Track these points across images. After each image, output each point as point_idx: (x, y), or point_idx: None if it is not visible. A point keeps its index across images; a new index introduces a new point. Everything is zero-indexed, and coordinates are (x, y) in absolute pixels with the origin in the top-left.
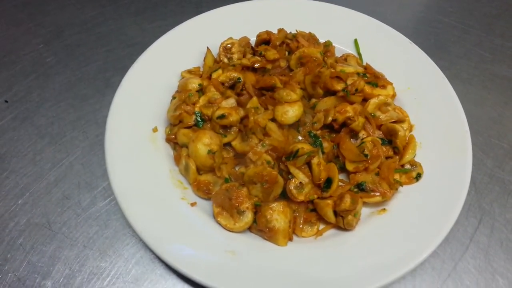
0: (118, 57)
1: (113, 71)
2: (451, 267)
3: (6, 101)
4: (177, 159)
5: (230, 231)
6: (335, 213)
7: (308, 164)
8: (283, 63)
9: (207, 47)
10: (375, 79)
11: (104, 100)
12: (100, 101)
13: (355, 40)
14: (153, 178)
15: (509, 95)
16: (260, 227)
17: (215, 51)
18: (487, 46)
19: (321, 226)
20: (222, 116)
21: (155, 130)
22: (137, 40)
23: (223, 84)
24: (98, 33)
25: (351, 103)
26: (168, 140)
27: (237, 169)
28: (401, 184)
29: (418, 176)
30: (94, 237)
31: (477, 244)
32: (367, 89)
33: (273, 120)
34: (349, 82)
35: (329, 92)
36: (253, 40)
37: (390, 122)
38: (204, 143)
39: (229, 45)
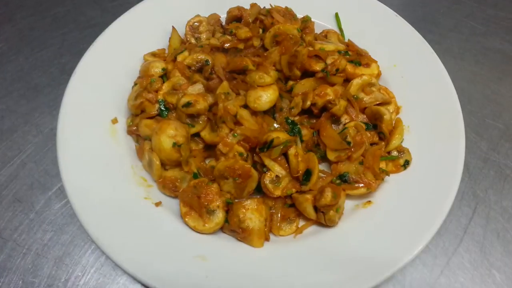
0: (75, 40)
1: (69, 56)
2: (444, 262)
3: None
4: (140, 154)
5: (199, 233)
6: (316, 209)
7: (285, 155)
8: (256, 42)
9: (173, 27)
10: (358, 57)
11: (60, 89)
12: (55, 90)
13: (336, 14)
14: (113, 176)
15: (504, 70)
16: (232, 228)
17: (181, 30)
18: (479, 17)
19: (301, 223)
20: (188, 104)
21: (114, 121)
22: (97, 21)
23: (189, 67)
24: (54, 15)
25: (332, 84)
26: (129, 132)
27: (207, 162)
28: (387, 174)
29: (406, 164)
30: (49, 244)
31: (471, 236)
32: (349, 68)
33: (246, 106)
34: (329, 61)
35: (308, 73)
36: (223, 17)
37: (374, 105)
38: (169, 135)
39: (196, 24)
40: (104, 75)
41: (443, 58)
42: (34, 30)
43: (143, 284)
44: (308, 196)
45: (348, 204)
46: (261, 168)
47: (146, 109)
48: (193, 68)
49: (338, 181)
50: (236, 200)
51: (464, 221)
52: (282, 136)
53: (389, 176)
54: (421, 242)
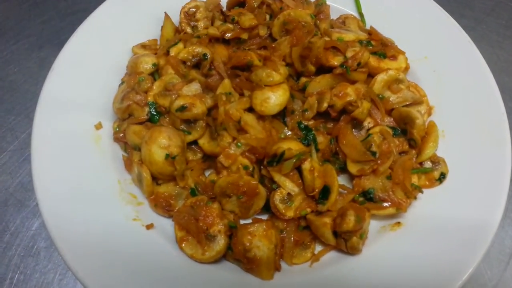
0: (56, 29)
1: (49, 48)
2: None
3: None
4: (128, 165)
5: (198, 262)
6: (335, 233)
7: (298, 169)
8: (262, 31)
9: (165, 13)
10: (383, 48)
11: (38, 87)
12: (33, 88)
13: None
14: (97, 192)
15: None
16: (237, 256)
17: (176, 18)
18: None
19: (318, 248)
20: (183, 108)
21: (98, 126)
22: (80, 7)
23: (184, 62)
24: (31, 0)
25: (353, 82)
26: (116, 139)
27: (207, 175)
28: (420, 191)
29: (442, 177)
30: (27, 272)
31: None
32: (373, 61)
33: (251, 110)
34: (349, 54)
35: (324, 69)
36: (224, 1)
37: (403, 106)
38: (161, 145)
39: (192, 9)
40: (87, 71)
41: (479, 47)
42: (9, 19)
43: None
44: (327, 220)
45: (373, 225)
46: (270, 184)
47: (134, 113)
48: (188, 63)
49: (361, 199)
50: (240, 222)
51: (508, 243)
52: (295, 147)
53: (422, 193)
54: (462, 273)
